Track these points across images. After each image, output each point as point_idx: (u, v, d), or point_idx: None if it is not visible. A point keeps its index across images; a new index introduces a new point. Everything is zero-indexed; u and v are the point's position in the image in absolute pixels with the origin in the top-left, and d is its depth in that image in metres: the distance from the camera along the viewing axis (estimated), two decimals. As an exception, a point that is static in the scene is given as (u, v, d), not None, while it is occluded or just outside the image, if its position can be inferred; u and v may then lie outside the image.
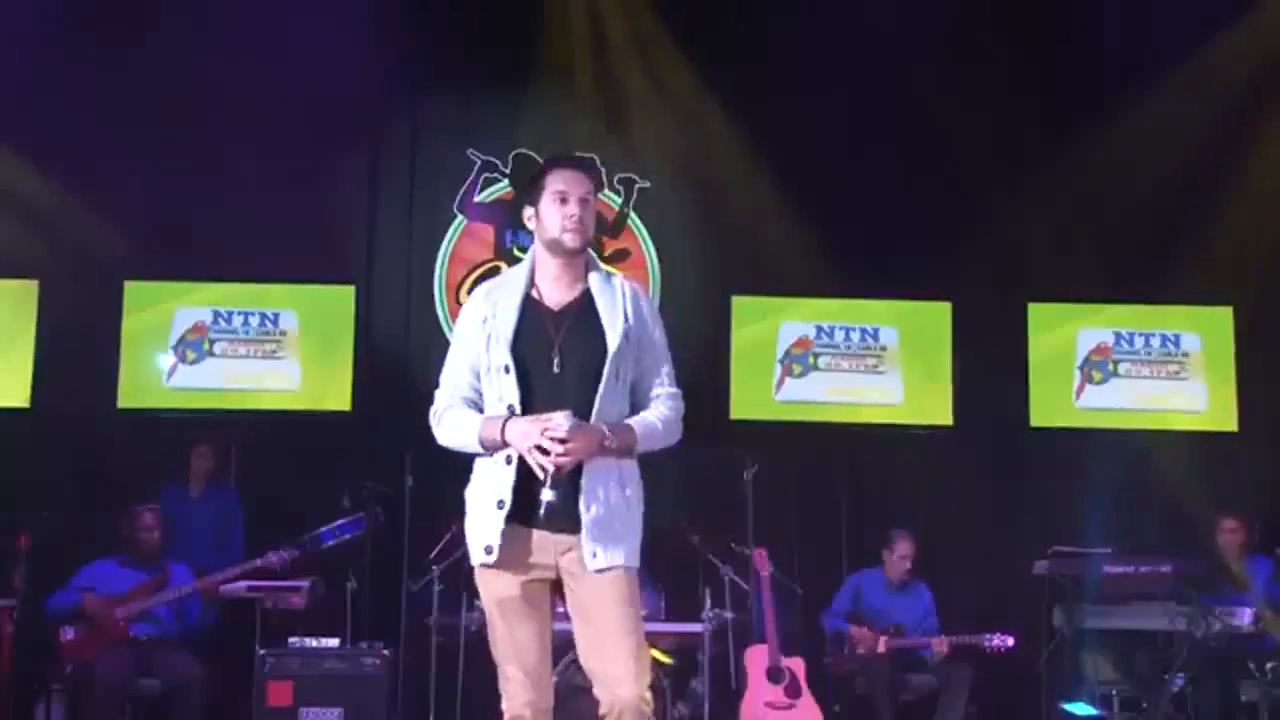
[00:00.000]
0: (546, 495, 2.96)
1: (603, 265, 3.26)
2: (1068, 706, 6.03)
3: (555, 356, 3.03)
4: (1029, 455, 7.10)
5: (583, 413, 2.98)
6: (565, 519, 3.01)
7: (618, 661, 2.98)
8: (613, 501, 3.02)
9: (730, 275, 7.37)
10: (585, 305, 3.10)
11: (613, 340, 3.04)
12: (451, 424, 3.11)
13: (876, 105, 7.11)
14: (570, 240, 3.08)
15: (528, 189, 3.16)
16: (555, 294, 3.12)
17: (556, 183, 3.09)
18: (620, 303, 3.09)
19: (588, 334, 3.06)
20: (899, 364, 7.26)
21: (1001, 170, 7.25)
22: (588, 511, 2.99)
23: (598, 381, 3.01)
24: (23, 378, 6.81)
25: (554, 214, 3.08)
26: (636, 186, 7.31)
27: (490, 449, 3.03)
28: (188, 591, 5.75)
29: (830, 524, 7.07)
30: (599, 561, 2.99)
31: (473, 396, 3.13)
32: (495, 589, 3.05)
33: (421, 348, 7.19)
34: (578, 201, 3.08)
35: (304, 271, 7.11)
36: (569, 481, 2.99)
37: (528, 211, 3.15)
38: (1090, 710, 5.99)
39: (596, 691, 3.02)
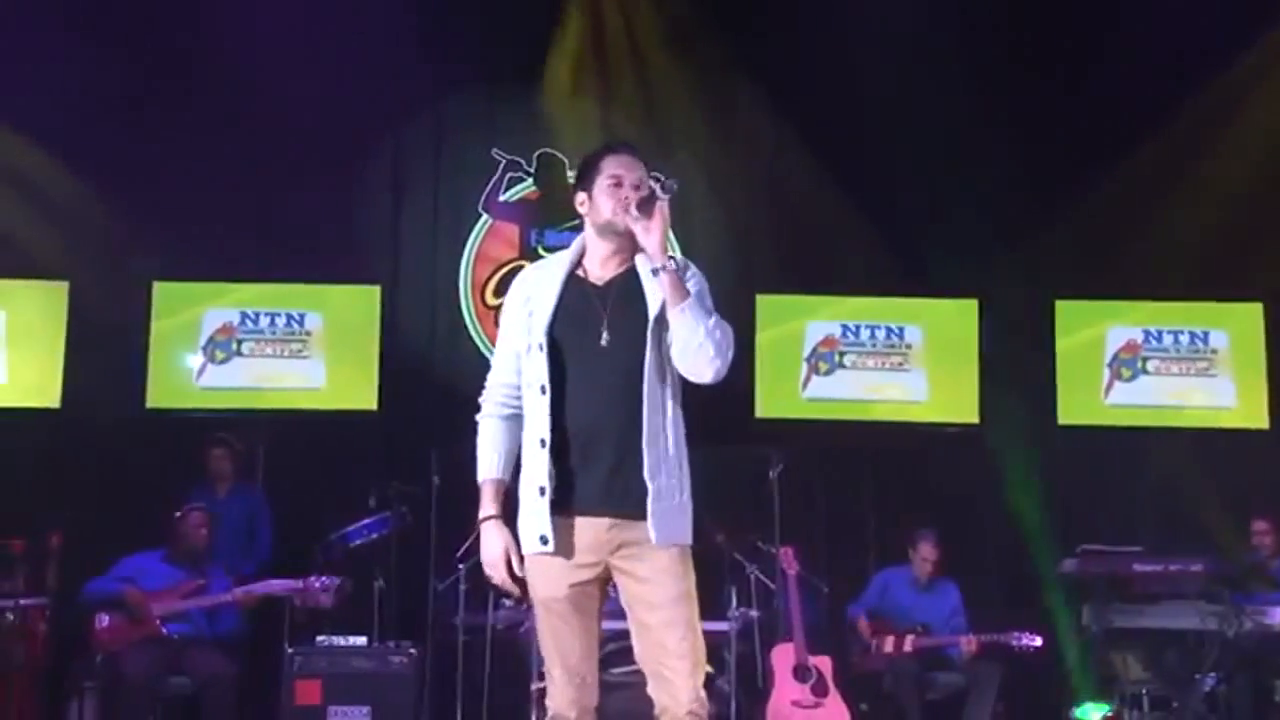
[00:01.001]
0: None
1: None
2: (1077, 713, 5.99)
3: (604, 330, 3.02)
4: (1057, 453, 7.06)
5: (630, 383, 2.98)
6: (614, 499, 2.98)
7: (675, 661, 2.96)
8: (672, 474, 3.00)
9: (755, 274, 7.35)
10: (629, 277, 3.10)
11: (654, 305, 3.03)
12: (479, 445, 3.15)
13: (903, 102, 7.05)
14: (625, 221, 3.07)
15: (580, 175, 3.15)
16: (601, 272, 3.12)
17: (612, 167, 3.09)
18: None
19: (632, 305, 3.05)
20: (924, 362, 7.23)
21: (1028, 167, 7.17)
22: (650, 483, 2.96)
23: (644, 349, 3.01)
24: (53, 378, 6.85)
25: (609, 198, 3.07)
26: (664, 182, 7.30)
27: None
28: (225, 601, 5.79)
29: (857, 522, 7.08)
30: (661, 538, 2.95)
31: (513, 393, 3.12)
32: (543, 585, 3.03)
33: (447, 347, 7.29)
34: (632, 186, 3.07)
35: (330, 272, 7.14)
36: (615, 457, 2.97)
37: (580, 196, 3.14)
38: (1104, 708, 5.94)
39: (651, 691, 3.01)
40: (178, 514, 5.91)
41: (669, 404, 3.03)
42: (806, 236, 7.37)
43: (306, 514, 6.44)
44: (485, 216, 7.44)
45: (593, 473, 2.99)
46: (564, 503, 3.00)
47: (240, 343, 7.06)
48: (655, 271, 3.02)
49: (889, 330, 7.26)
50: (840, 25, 6.95)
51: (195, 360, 7.03)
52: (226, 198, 6.88)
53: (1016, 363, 7.20)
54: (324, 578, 5.73)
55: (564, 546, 3.00)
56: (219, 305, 7.05)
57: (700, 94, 7.44)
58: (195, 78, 6.89)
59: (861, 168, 7.14)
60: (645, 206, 3.01)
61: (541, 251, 7.25)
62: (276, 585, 5.78)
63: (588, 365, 3.02)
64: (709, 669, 2.96)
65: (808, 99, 7.12)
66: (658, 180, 3.03)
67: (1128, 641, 6.06)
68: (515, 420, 3.12)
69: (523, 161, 7.45)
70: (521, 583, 3.05)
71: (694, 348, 2.98)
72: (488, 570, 3.06)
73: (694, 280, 3.07)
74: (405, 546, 6.15)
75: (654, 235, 3.00)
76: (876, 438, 7.14)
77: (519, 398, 3.12)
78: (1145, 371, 7.29)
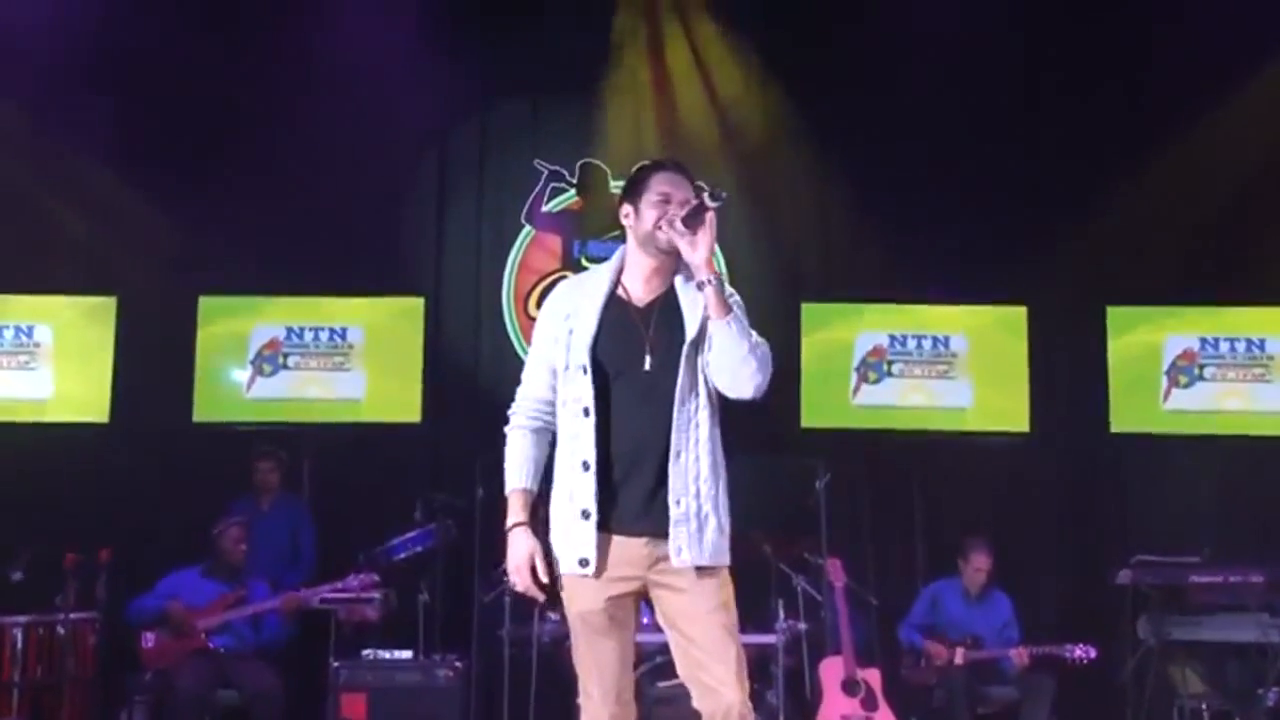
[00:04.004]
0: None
1: None
2: None
3: (648, 354, 3.02)
4: (1110, 462, 6.97)
5: (666, 405, 2.98)
6: (652, 518, 2.97)
7: (719, 670, 2.93)
8: (702, 495, 2.98)
9: (800, 281, 7.33)
10: (669, 298, 3.09)
11: (691, 327, 3.02)
12: (507, 456, 3.15)
13: (947, 107, 7.03)
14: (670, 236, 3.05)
15: (628, 189, 3.15)
16: (642, 292, 3.10)
17: (661, 184, 3.09)
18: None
19: (673, 328, 3.04)
20: (971, 370, 7.14)
21: (1077, 170, 7.13)
22: (676, 506, 2.96)
23: (678, 370, 3.00)
24: (102, 392, 6.88)
25: (655, 211, 3.07)
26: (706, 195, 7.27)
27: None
28: (269, 607, 5.82)
29: (905, 533, 7.01)
30: (686, 559, 2.94)
31: (544, 408, 3.12)
32: (581, 602, 3.03)
33: (490, 358, 7.31)
34: (679, 204, 3.06)
35: (374, 283, 7.14)
36: (655, 479, 2.96)
37: (625, 209, 3.14)
38: None
39: (696, 703, 2.98)
40: (215, 530, 5.95)
41: (702, 425, 3.01)
42: (850, 243, 7.36)
43: (350, 527, 6.45)
44: (528, 227, 7.46)
45: (633, 494, 2.99)
46: (603, 524, 3.00)
47: (286, 356, 7.08)
48: (699, 285, 3.00)
49: (934, 339, 7.18)
50: (881, 30, 6.92)
51: (242, 375, 7.06)
52: (271, 210, 6.91)
53: (1066, 370, 7.13)
54: (362, 575, 5.74)
55: (600, 564, 3.00)
56: (267, 320, 7.08)
57: (742, 101, 7.43)
58: (241, 92, 6.94)
59: (905, 172, 7.09)
60: (692, 219, 2.99)
61: (585, 262, 7.25)
62: (316, 593, 5.81)
63: (632, 389, 3.01)
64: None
65: (850, 102, 7.08)
66: (704, 189, 3.01)
67: (1186, 654, 5.96)
68: (544, 433, 3.13)
69: (565, 171, 7.46)
70: (545, 588, 3.05)
71: (737, 361, 2.97)
72: (512, 576, 3.06)
73: (734, 300, 3.07)
74: (450, 559, 6.16)
75: (700, 249, 2.98)
76: (924, 447, 7.05)
77: (550, 412, 3.12)
78: (1202, 378, 7.16)
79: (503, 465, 3.17)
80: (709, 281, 2.97)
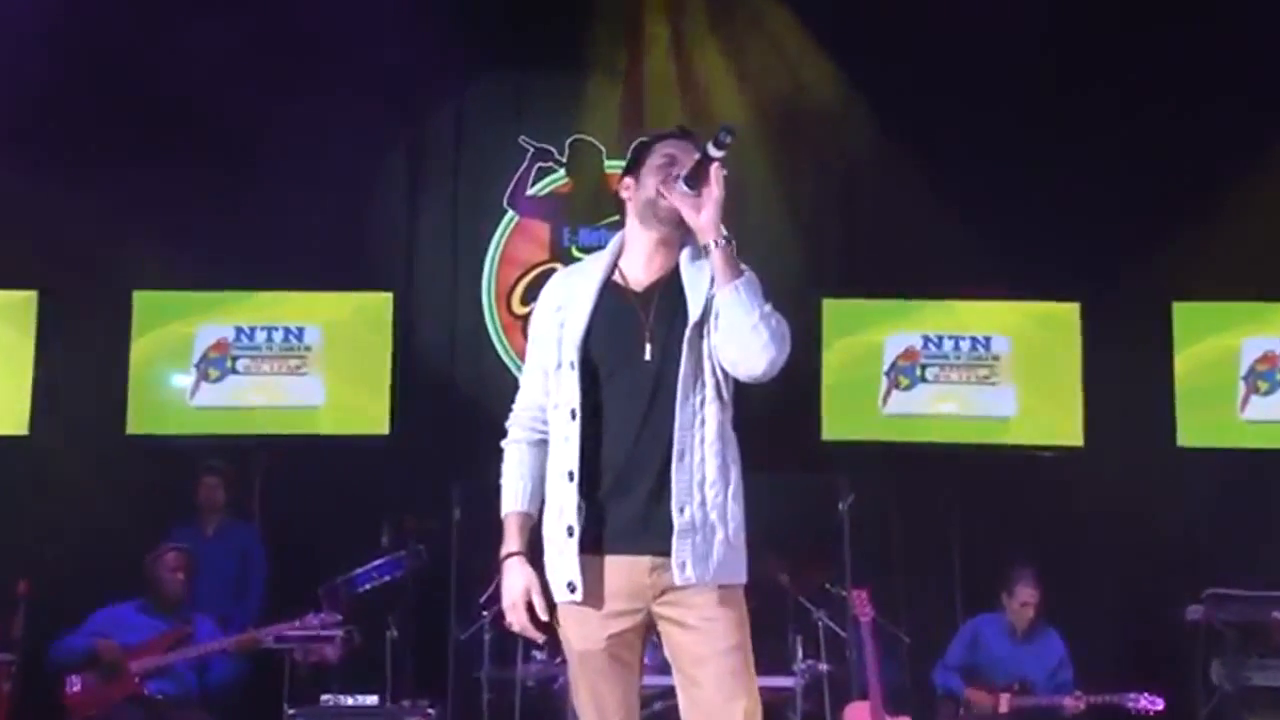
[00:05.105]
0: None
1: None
2: None
3: (647, 343, 2.99)
4: (1177, 480, 6.97)
5: (670, 401, 2.95)
6: (654, 534, 2.93)
7: None
8: (709, 502, 2.94)
9: (821, 274, 7.33)
10: (672, 279, 3.06)
11: (694, 309, 2.99)
12: (503, 474, 3.14)
13: (985, 80, 7.04)
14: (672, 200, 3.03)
15: (628, 164, 3.13)
16: (642, 275, 3.08)
17: (665, 147, 3.07)
18: (708, 269, 3.01)
19: (678, 312, 3.01)
20: (1015, 375, 7.19)
21: (1135, 148, 7.12)
22: (680, 515, 2.92)
23: (680, 358, 2.98)
24: (20, 401, 6.84)
25: (656, 175, 3.04)
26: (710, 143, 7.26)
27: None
28: (215, 649, 5.78)
29: (941, 561, 7.00)
30: (691, 576, 2.90)
31: (545, 417, 3.10)
32: (577, 637, 3.00)
33: (468, 361, 7.33)
34: (685, 168, 3.02)
35: (335, 277, 7.15)
36: (654, 485, 2.93)
37: (625, 182, 3.12)
38: None
39: None
40: (149, 558, 5.90)
41: (710, 421, 2.98)
42: (879, 230, 7.33)
43: (308, 554, 6.43)
44: (511, 213, 7.45)
45: (627, 506, 2.96)
46: (595, 543, 2.96)
47: (235, 359, 7.09)
48: (705, 250, 2.97)
49: (974, 340, 7.22)
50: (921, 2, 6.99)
51: (185, 380, 7.04)
52: (219, 195, 6.91)
53: (1126, 375, 7.10)
54: (323, 614, 5.71)
55: (596, 593, 2.96)
56: (212, 319, 7.08)
57: (752, 70, 7.43)
58: (183, 65, 6.82)
59: (939, 151, 7.10)
60: (695, 176, 2.95)
61: (575, 252, 7.28)
62: (269, 632, 5.76)
63: (627, 384, 2.99)
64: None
65: (886, 73, 7.08)
66: (707, 142, 2.94)
67: (1266, 702, 5.98)
68: (545, 447, 3.10)
69: (553, 150, 7.46)
70: (545, 628, 3.02)
71: (746, 330, 2.93)
72: (507, 614, 3.04)
73: (747, 272, 3.04)
74: (422, 591, 6.15)
75: (706, 209, 2.95)
76: (962, 463, 7.05)
77: (547, 429, 3.11)
78: (1280, 384, 7.16)
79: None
80: (716, 244, 2.93)
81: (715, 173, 2.93)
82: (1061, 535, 6.86)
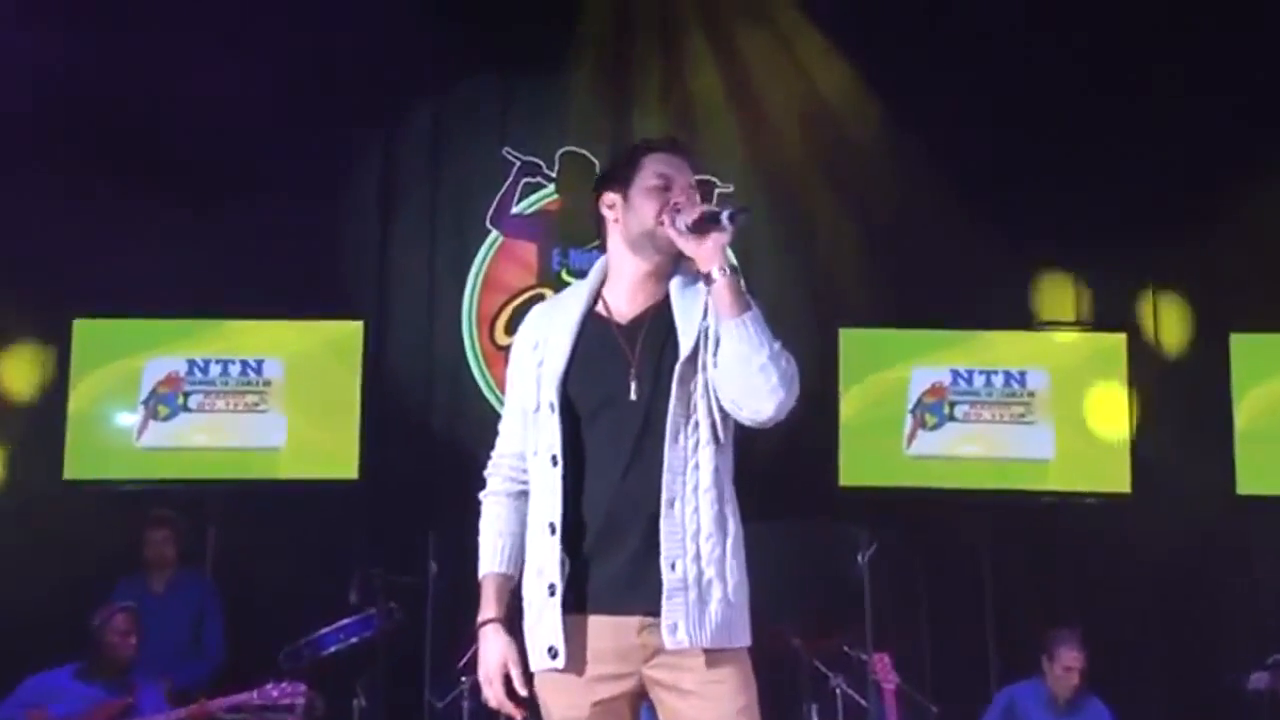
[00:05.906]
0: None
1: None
2: None
3: (633, 381, 2.98)
4: (1237, 532, 6.97)
5: (659, 444, 2.94)
6: (643, 592, 2.90)
7: None
8: (703, 556, 2.92)
9: (838, 303, 7.34)
10: (661, 310, 3.06)
11: (685, 340, 2.98)
12: (481, 531, 3.15)
13: (1023, 87, 7.12)
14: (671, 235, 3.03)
15: (611, 172, 3.15)
16: (627, 306, 3.08)
17: (657, 165, 3.07)
18: (703, 297, 3.01)
19: (663, 344, 3.01)
20: (1054, 413, 7.16)
21: (1189, 162, 7.17)
22: (671, 571, 2.89)
23: (669, 397, 2.98)
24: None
25: (652, 203, 3.03)
26: (716, 191, 7.31)
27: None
28: None
29: (973, 621, 6.94)
30: (683, 639, 2.88)
31: (524, 467, 3.10)
32: (559, 706, 2.98)
33: (446, 398, 7.34)
34: (681, 191, 3.05)
35: (299, 304, 7.09)
36: (641, 539, 2.91)
37: (608, 198, 3.10)
38: None
39: None
40: (96, 619, 5.84)
41: (704, 466, 2.97)
42: (901, 254, 7.35)
43: (267, 613, 6.43)
44: (495, 233, 7.47)
45: (614, 561, 2.95)
46: (579, 601, 2.95)
47: (187, 396, 7.06)
48: (707, 280, 2.94)
49: (1007, 375, 7.21)
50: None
51: (131, 419, 7.01)
52: (169, 212, 6.83)
53: (1179, 414, 7.14)
54: (285, 683, 5.67)
55: (580, 656, 2.94)
56: (162, 350, 7.05)
57: (756, 77, 7.49)
58: (135, 66, 6.88)
59: (968, 166, 7.15)
60: (700, 230, 2.95)
61: (566, 276, 7.30)
62: (224, 704, 5.68)
63: (611, 426, 2.99)
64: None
65: (912, 82, 7.13)
66: (722, 208, 2.96)
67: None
68: (526, 498, 3.12)
69: (542, 164, 7.48)
70: (525, 703, 3.01)
71: (753, 370, 2.91)
72: (483, 688, 3.04)
73: (754, 304, 3.05)
74: (394, 654, 6.11)
75: (711, 239, 2.95)
76: (996, 511, 7.03)
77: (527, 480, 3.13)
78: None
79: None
80: (722, 271, 2.92)
81: (718, 239, 2.92)
82: (1107, 592, 6.88)
